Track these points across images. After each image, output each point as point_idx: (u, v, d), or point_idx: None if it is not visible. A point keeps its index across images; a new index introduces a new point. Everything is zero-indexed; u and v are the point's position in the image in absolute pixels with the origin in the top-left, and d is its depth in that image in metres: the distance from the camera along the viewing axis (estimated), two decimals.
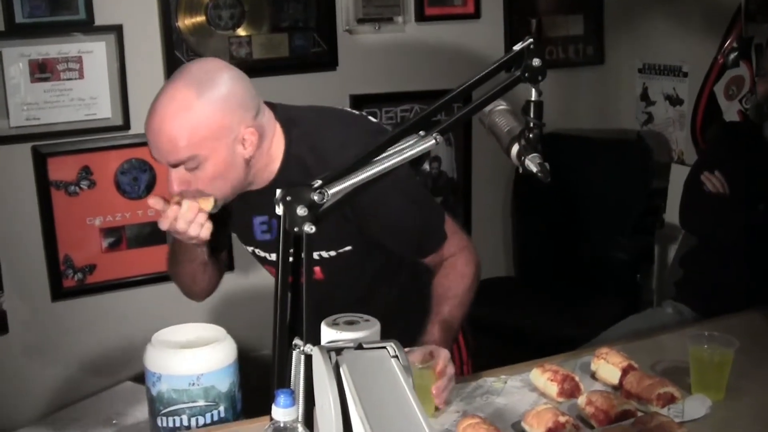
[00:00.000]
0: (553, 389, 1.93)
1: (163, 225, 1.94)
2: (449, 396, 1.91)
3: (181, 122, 1.80)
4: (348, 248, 2.04)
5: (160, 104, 1.83)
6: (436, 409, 1.88)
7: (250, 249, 2.18)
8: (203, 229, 1.94)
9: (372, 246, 2.06)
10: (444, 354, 1.87)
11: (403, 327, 1.77)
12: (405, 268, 2.19)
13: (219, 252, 2.25)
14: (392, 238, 2.06)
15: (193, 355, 1.93)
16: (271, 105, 2.00)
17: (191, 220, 1.92)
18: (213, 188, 1.90)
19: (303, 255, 1.39)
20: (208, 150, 1.83)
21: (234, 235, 2.25)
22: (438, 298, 2.07)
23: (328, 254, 2.04)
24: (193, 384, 1.90)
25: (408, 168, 1.79)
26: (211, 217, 1.96)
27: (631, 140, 4.21)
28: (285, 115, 2.00)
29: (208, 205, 1.92)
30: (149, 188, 3.36)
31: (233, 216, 2.12)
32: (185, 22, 3.37)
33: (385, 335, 1.35)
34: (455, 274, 2.08)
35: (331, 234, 1.97)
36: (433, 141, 1.49)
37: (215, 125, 1.82)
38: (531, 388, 1.99)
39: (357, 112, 2.21)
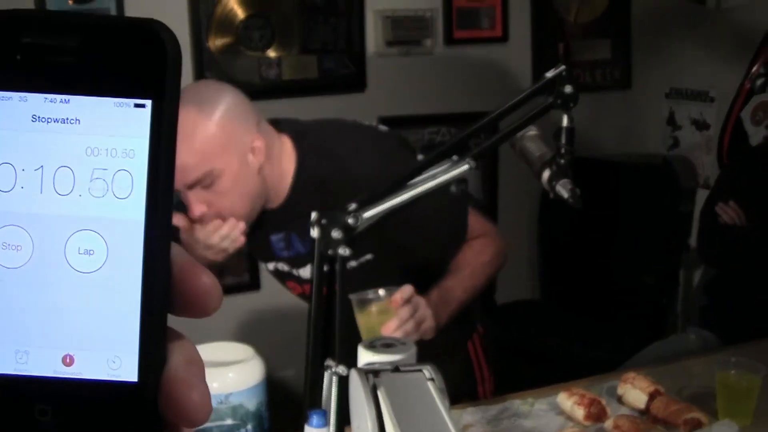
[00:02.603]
0: (579, 413, 1.93)
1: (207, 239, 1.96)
2: (410, 334, 1.81)
3: (189, 142, 1.83)
4: (368, 257, 2.03)
5: None
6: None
7: (272, 266, 2.19)
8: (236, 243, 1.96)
9: (394, 255, 2.04)
10: (406, 288, 1.83)
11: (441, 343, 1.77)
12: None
13: None
14: (415, 237, 2.01)
15: (221, 374, 1.93)
16: (273, 121, 2.03)
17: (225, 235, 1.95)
18: (232, 203, 1.92)
19: (337, 279, 1.41)
20: (221, 163, 1.87)
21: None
22: (446, 273, 2.06)
23: (348, 265, 2.02)
24: (222, 403, 1.91)
25: None
26: None
27: (657, 165, 4.20)
28: (292, 128, 2.03)
29: None
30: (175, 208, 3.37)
31: (251, 236, 2.10)
32: (215, 42, 3.41)
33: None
34: (471, 251, 2.09)
35: None
36: (467, 166, 1.51)
37: (223, 138, 1.86)
38: (558, 412, 1.99)
39: (366, 123, 2.23)
